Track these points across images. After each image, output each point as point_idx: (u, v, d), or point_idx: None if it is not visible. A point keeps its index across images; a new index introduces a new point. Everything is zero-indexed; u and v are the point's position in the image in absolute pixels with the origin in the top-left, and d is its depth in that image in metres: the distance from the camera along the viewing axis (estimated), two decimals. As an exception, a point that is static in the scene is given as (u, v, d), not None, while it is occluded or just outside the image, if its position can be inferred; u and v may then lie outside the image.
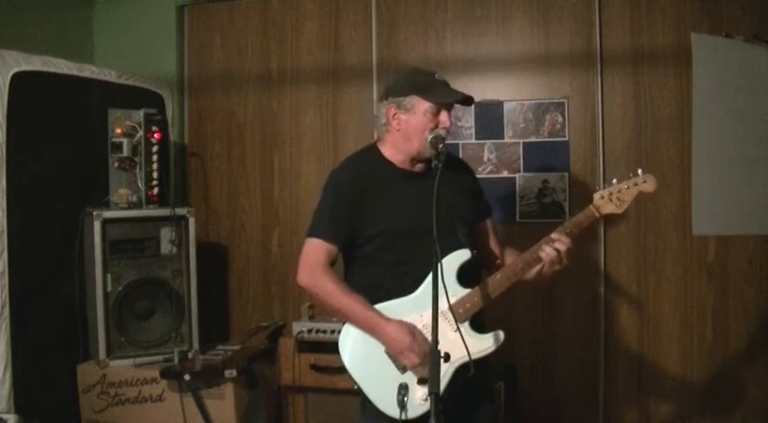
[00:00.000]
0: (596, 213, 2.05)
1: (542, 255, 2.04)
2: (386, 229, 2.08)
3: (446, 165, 2.04)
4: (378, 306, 2.04)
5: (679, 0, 3.23)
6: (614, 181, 2.05)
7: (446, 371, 1.96)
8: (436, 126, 2.07)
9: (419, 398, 1.98)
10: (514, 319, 3.34)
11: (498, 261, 2.28)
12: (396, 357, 2.00)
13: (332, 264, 2.10)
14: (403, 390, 1.96)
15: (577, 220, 2.06)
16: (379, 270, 2.11)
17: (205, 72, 3.92)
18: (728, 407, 3.20)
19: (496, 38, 3.47)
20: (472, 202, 2.25)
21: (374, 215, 2.09)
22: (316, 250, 2.07)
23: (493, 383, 2.72)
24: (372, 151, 2.20)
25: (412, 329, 1.98)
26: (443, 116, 2.07)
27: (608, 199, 2.03)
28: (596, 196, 2.05)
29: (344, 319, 2.09)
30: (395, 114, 2.11)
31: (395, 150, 2.15)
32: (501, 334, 2.04)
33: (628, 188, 2.02)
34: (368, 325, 2.01)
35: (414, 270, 2.04)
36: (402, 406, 1.94)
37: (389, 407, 1.98)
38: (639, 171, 2.05)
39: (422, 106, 2.07)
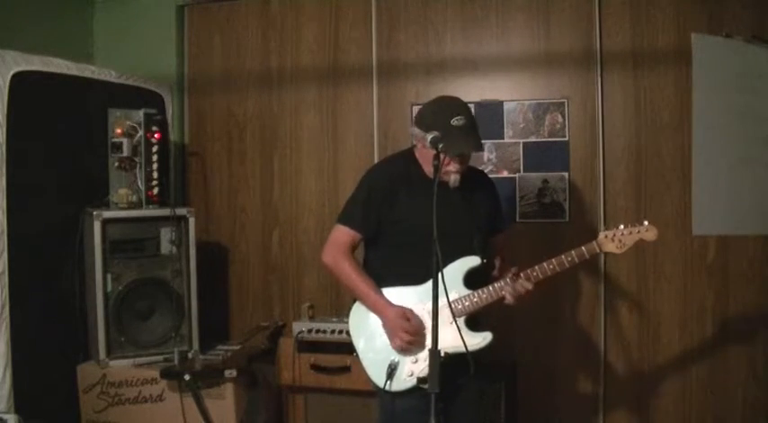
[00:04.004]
0: (597, 249, 2.27)
1: (504, 292, 2.26)
2: (406, 228, 2.27)
3: (472, 177, 2.37)
4: (390, 289, 2.29)
5: (679, 0, 3.23)
6: (621, 226, 2.27)
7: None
8: (448, 164, 2.20)
9: (405, 374, 2.21)
10: (514, 319, 3.34)
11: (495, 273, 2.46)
12: (389, 336, 2.24)
13: (354, 248, 2.36)
14: (393, 364, 2.21)
15: (580, 252, 2.26)
16: (396, 258, 2.31)
17: (205, 72, 3.92)
18: (729, 407, 3.20)
19: (496, 38, 3.47)
20: (491, 216, 2.43)
21: (401, 212, 2.29)
22: (342, 235, 2.34)
23: (488, 384, 2.77)
24: (409, 155, 2.39)
25: (409, 315, 2.22)
26: (455, 160, 2.21)
27: (611, 239, 2.27)
28: (601, 235, 2.28)
29: (356, 297, 2.36)
30: (418, 140, 2.30)
31: (422, 161, 2.33)
32: (489, 335, 2.23)
33: (630, 234, 2.26)
34: (374, 306, 2.28)
35: (426, 265, 2.14)
36: (389, 377, 2.19)
37: (378, 375, 2.23)
38: (645, 222, 2.27)
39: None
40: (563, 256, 2.25)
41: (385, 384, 2.19)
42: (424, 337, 2.21)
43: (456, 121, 2.21)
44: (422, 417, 1.85)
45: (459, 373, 2.07)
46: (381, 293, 2.27)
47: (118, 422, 3.11)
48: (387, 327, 2.24)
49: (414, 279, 2.26)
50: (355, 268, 2.31)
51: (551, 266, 2.25)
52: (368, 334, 2.30)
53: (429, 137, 2.13)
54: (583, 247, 2.26)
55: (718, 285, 3.22)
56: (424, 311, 2.22)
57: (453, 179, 2.22)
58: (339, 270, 2.33)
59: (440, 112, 2.26)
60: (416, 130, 2.28)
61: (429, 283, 2.17)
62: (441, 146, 2.10)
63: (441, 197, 2.10)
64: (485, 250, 2.31)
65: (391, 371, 2.19)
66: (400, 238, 2.29)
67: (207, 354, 3.27)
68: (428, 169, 2.28)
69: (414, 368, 2.20)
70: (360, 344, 2.32)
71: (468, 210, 2.29)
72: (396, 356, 2.22)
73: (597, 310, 3.36)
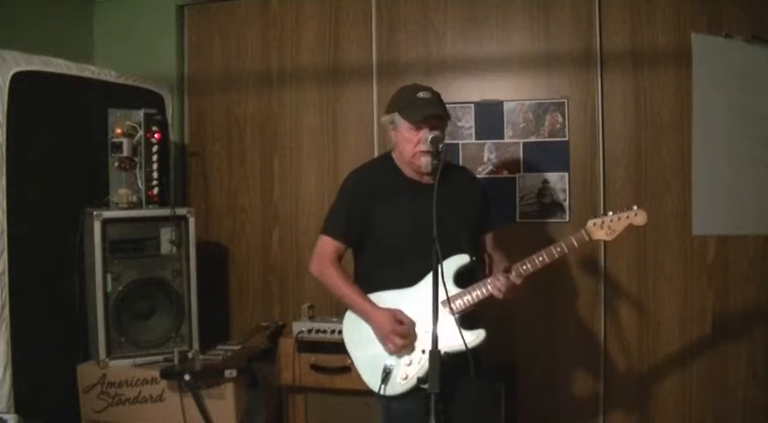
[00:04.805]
0: (586, 237, 2.24)
1: (493, 287, 2.22)
2: (389, 232, 2.28)
3: (455, 176, 2.35)
4: (379, 294, 2.27)
5: (679, 0, 3.23)
6: (610, 212, 2.25)
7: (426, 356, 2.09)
8: (419, 141, 2.23)
9: (400, 377, 2.19)
10: (514, 319, 3.34)
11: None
12: (382, 341, 2.22)
13: (340, 257, 2.36)
14: (387, 368, 2.20)
15: (569, 241, 2.24)
16: (383, 266, 2.31)
17: (205, 72, 3.92)
18: (729, 406, 3.20)
19: (496, 38, 3.47)
20: (479, 215, 2.41)
21: (380, 220, 2.29)
22: (326, 246, 2.34)
23: (488, 385, 2.75)
24: (387, 159, 2.41)
25: (398, 317, 2.20)
26: (423, 132, 2.22)
27: (600, 226, 2.23)
28: (590, 223, 2.25)
29: (345, 304, 2.36)
30: (389, 129, 2.34)
31: (399, 160, 2.35)
32: (483, 333, 2.20)
33: (619, 220, 2.23)
34: (362, 311, 2.27)
35: (413, 269, 2.21)
36: (384, 382, 2.17)
37: (373, 380, 2.22)
38: (635, 206, 2.23)
39: (403, 123, 2.26)
40: (552, 248, 2.22)
41: (380, 389, 2.18)
42: (415, 338, 2.20)
43: (422, 94, 2.27)
44: (419, 419, 1.84)
45: (458, 373, 2.07)
46: (368, 299, 2.26)
47: (118, 422, 3.11)
48: (377, 331, 2.23)
49: (403, 282, 2.25)
50: (341, 276, 2.31)
51: (541, 259, 2.21)
52: (362, 340, 2.28)
53: (429, 137, 2.17)
54: (572, 237, 2.23)
55: (718, 285, 3.22)
56: (415, 313, 2.21)
57: (425, 163, 2.20)
58: (326, 279, 2.33)
59: (406, 91, 2.33)
60: (386, 117, 2.33)
61: (419, 285, 2.23)
62: (441, 146, 2.12)
63: (426, 196, 2.10)
64: (474, 248, 2.30)
65: (386, 375, 2.18)
66: (386, 241, 2.29)
67: (207, 354, 3.27)
68: (405, 168, 2.32)
69: (408, 371, 2.19)
70: (354, 350, 2.31)
71: (455, 208, 2.25)
72: (390, 361, 2.21)
73: (597, 310, 3.35)
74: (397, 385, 2.19)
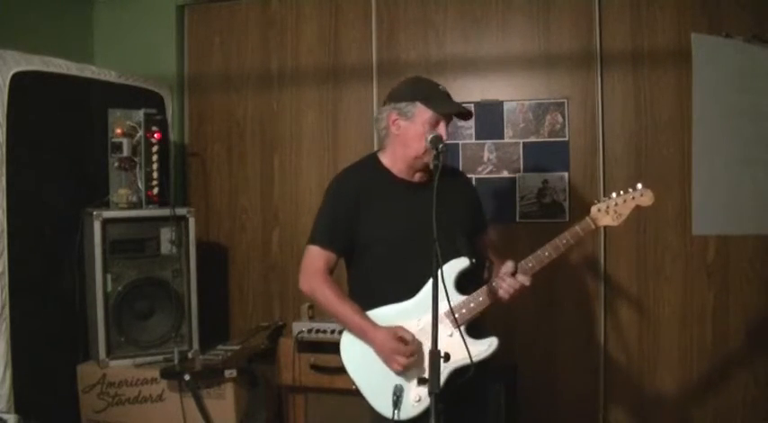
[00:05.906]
0: (593, 225, 2.12)
1: (499, 290, 2.09)
2: (382, 238, 2.13)
3: (447, 176, 2.11)
4: (377, 311, 2.10)
5: (679, 0, 3.23)
6: (613, 194, 2.11)
7: (442, 371, 1.93)
8: (437, 123, 2.11)
9: (413, 399, 2.03)
10: (515, 320, 3.34)
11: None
12: (384, 361, 2.06)
13: (331, 270, 2.18)
14: (398, 390, 2.00)
15: (574, 231, 2.12)
16: (379, 276, 2.16)
17: (205, 72, 3.92)
18: (728, 407, 3.20)
19: (496, 38, 3.47)
20: (472, 214, 2.31)
21: (370, 224, 2.14)
22: (314, 258, 2.16)
23: (491, 386, 2.71)
24: (372, 161, 2.26)
25: (400, 334, 2.03)
26: (441, 127, 2.12)
27: (605, 211, 2.10)
28: (594, 209, 2.12)
29: (340, 323, 2.20)
30: (395, 120, 2.16)
31: (394, 158, 2.20)
32: (495, 341, 2.08)
33: (625, 202, 2.09)
34: (359, 331, 2.09)
35: (412, 276, 2.08)
36: (396, 406, 1.97)
37: (384, 406, 2.03)
38: (639, 185, 2.11)
39: (422, 115, 2.11)
40: (557, 240, 2.10)
41: (393, 414, 1.97)
42: (423, 356, 2.01)
43: (442, 88, 2.17)
44: None
45: (461, 375, 1.99)
46: (366, 316, 2.08)
47: (118, 422, 3.11)
48: (378, 352, 2.05)
49: (401, 293, 2.09)
50: (335, 292, 2.12)
51: (547, 254, 2.09)
52: (364, 361, 2.09)
53: (429, 137, 2.07)
54: (576, 226, 2.12)
55: (718, 285, 3.22)
56: (419, 327, 2.06)
57: (433, 159, 2.02)
58: (318, 297, 2.14)
59: (424, 82, 2.22)
60: (397, 105, 2.13)
61: (419, 296, 2.09)
62: (441, 146, 2.02)
63: (420, 197, 2.06)
64: (471, 251, 2.15)
65: (397, 398, 1.98)
66: (379, 248, 2.13)
67: (207, 354, 3.27)
68: (398, 166, 2.18)
69: (420, 392, 2.00)
70: (358, 374, 2.11)
71: (451, 209, 2.09)
72: (399, 382, 2.02)
73: (597, 311, 3.36)
74: (411, 408, 2.02)
